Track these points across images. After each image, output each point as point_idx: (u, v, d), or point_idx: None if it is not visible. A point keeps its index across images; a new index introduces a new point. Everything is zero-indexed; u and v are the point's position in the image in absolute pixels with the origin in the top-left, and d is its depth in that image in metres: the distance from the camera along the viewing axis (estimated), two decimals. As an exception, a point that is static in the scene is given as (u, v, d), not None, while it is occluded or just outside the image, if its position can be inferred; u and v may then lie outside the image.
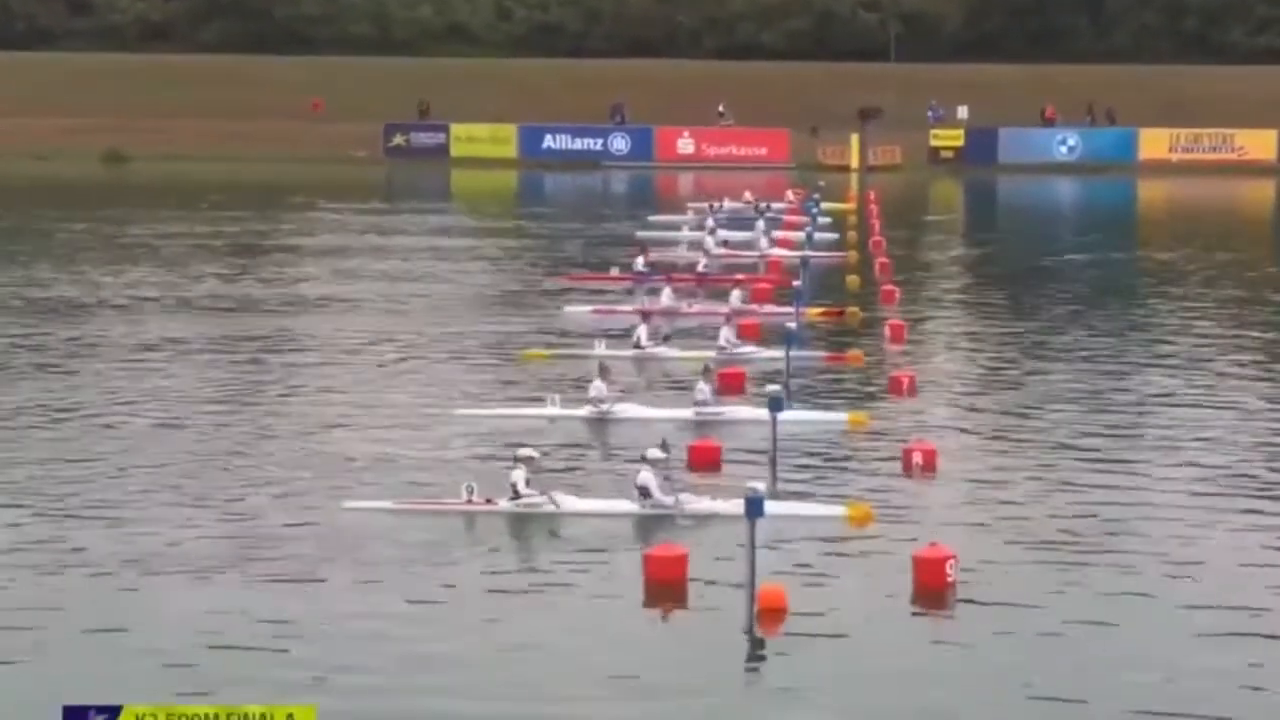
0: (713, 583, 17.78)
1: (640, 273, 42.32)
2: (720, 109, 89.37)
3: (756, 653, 16.19)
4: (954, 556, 17.78)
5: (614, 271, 42.43)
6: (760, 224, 52.25)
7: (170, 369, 30.23)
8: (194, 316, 36.59)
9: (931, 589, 17.57)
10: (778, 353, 29.29)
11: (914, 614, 17.28)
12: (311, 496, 21.24)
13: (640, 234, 52.64)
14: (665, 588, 17.58)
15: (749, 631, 16.48)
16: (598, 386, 26.14)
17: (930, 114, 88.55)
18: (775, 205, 58.94)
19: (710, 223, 52.22)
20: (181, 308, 37.88)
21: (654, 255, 44.63)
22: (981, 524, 20.21)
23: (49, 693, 14.38)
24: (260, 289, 41.00)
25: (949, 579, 17.65)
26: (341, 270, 45.14)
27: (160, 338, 33.52)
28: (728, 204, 58.97)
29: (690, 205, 57.91)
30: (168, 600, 17.30)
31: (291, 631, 16.34)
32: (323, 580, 17.92)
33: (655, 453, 20.81)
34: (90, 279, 42.50)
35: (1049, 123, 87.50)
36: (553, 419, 25.61)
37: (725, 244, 48.59)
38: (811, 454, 23.79)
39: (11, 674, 15.31)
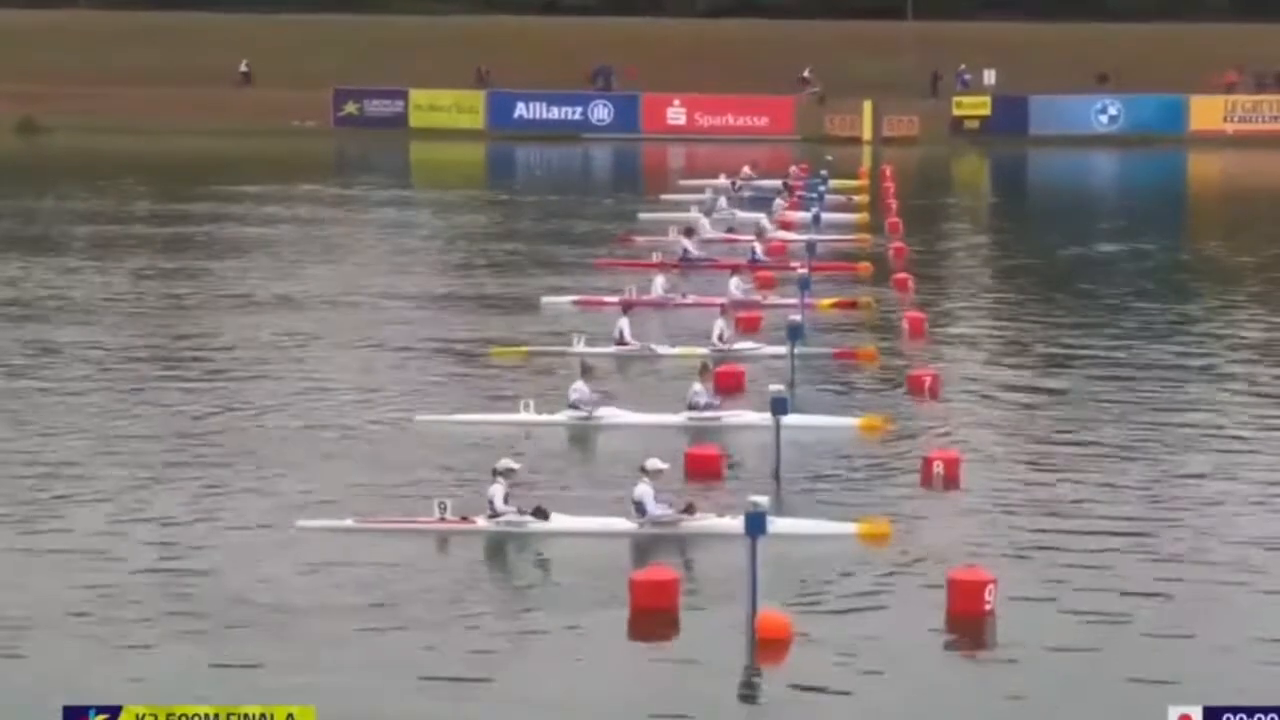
0: (708, 610, 17.87)
1: (687, 258, 42.18)
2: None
3: (756, 690, 16.29)
4: (994, 581, 17.81)
5: (656, 257, 42.16)
6: (778, 202, 52.29)
7: (100, 375, 30.18)
8: (119, 316, 36.50)
9: (967, 617, 17.57)
10: (781, 349, 29.40)
11: (944, 648, 17.26)
12: (264, 513, 21.34)
13: (643, 215, 52.65)
14: (654, 615, 17.65)
15: (748, 665, 16.57)
16: (579, 388, 26.21)
17: (958, 80, 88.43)
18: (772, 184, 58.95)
19: (722, 201, 52.15)
20: (103, 306, 37.71)
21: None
22: (1009, 544, 20.28)
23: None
24: (193, 284, 40.79)
25: (988, 606, 17.69)
26: (286, 260, 45.12)
27: (81, 340, 33.39)
28: (742, 179, 58.96)
29: (707, 183, 57.61)
30: (158, 605, 18.04)
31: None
32: (272, 606, 18.10)
33: (655, 463, 20.90)
34: None
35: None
36: (529, 426, 25.66)
37: (731, 229, 48.50)
38: (820, 463, 23.90)
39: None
